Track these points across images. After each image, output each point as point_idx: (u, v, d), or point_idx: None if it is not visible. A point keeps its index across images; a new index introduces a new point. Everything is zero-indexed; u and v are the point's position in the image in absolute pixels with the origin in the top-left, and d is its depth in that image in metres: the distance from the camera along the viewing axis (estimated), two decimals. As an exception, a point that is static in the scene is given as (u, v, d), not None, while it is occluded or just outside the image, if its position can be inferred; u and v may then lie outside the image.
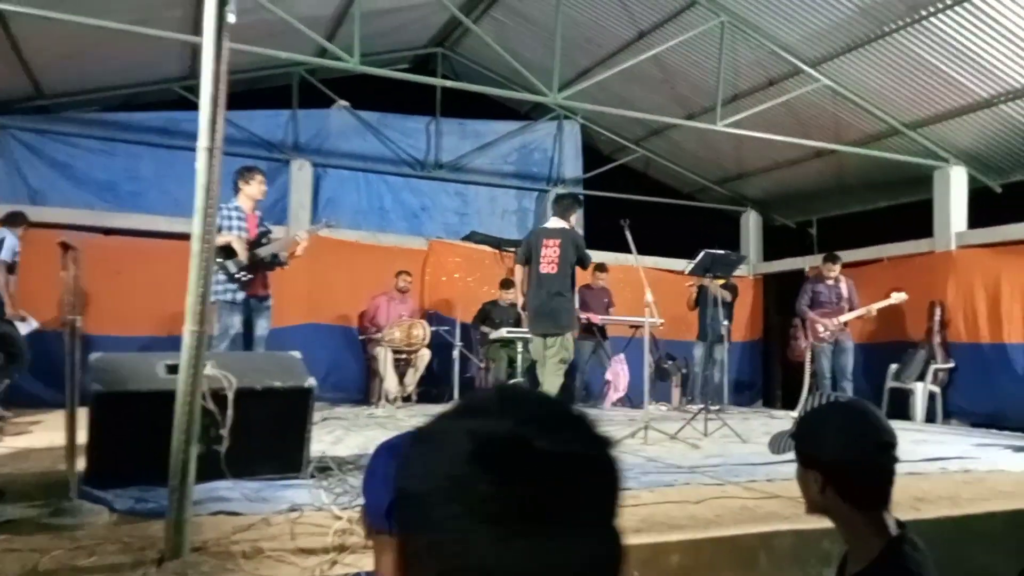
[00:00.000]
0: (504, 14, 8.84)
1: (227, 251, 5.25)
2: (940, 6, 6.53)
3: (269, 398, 3.20)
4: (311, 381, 3.35)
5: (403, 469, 0.66)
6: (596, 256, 9.43)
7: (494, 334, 7.78)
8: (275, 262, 5.52)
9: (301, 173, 9.17)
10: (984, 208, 8.53)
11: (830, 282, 7.84)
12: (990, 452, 5.05)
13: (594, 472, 0.62)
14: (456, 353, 7.42)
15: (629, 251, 5.55)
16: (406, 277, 8.03)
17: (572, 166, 10.89)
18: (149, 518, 2.59)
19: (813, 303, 7.89)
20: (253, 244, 5.37)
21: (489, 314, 8.22)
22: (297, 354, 3.57)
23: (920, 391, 7.93)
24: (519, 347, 7.58)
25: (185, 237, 2.40)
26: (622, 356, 8.56)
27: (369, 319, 7.85)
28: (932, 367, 8.02)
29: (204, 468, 2.70)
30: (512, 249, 9.59)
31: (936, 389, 7.97)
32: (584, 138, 11.02)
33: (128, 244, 7.86)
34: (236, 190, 5.49)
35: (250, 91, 9.41)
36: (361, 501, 1.37)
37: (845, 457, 1.53)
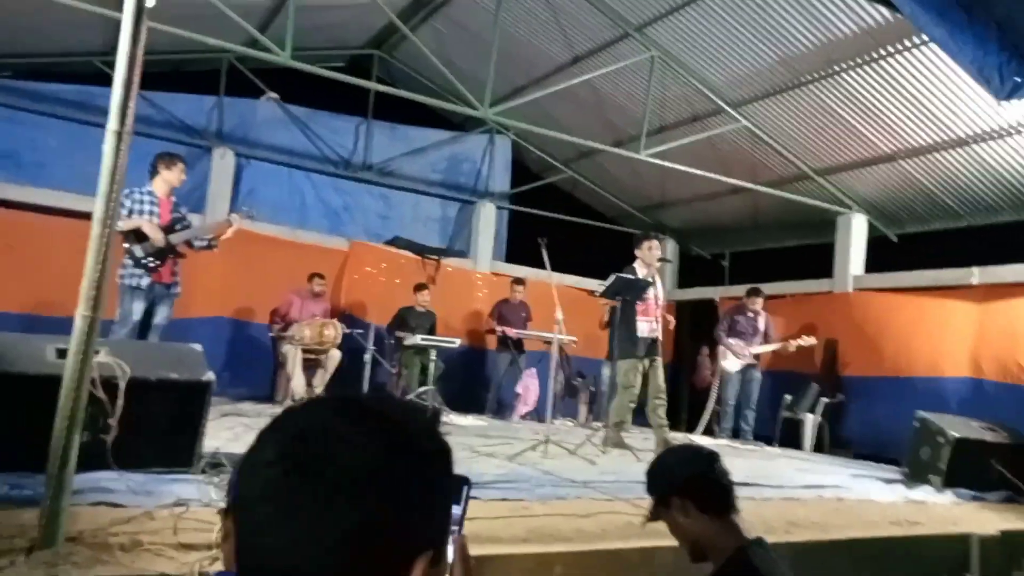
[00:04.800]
0: (443, 24, 8.91)
1: (137, 235, 5.11)
2: (852, 63, 6.98)
3: (164, 390, 3.13)
4: (209, 375, 3.29)
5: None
6: (516, 271, 9.62)
7: (409, 340, 7.77)
8: (195, 247, 5.43)
9: (223, 162, 8.97)
10: (880, 255, 9.09)
11: (750, 314, 8.23)
12: (864, 482, 5.38)
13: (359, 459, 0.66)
14: (368, 357, 7.38)
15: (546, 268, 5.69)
16: (320, 281, 7.90)
17: (501, 180, 11.02)
18: (24, 506, 2.50)
19: (731, 331, 8.25)
20: (165, 231, 5.23)
21: (405, 319, 8.21)
22: (198, 347, 3.50)
23: (810, 422, 8.35)
24: (432, 355, 7.61)
25: (91, 217, 2.36)
26: (534, 370, 8.70)
27: (281, 315, 7.72)
28: (822, 400, 8.46)
29: (89, 458, 2.62)
30: (436, 257, 9.63)
31: (823, 421, 8.42)
32: (514, 154, 11.18)
33: (26, 219, 7.50)
34: (153, 174, 5.35)
35: (175, 72, 9.14)
36: None
37: (692, 473, 1.88)
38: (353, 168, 10.11)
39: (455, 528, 0.81)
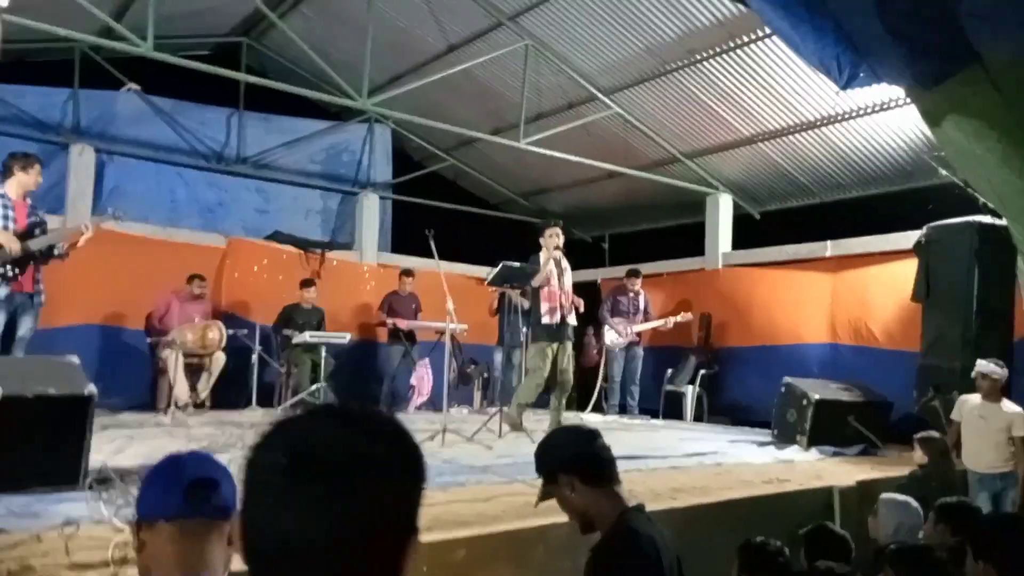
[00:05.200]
0: (313, 11, 8.70)
1: (-8, 244, 4.74)
2: (712, 52, 7.40)
3: (42, 406, 2.98)
4: (90, 388, 3.16)
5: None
6: (403, 261, 9.59)
7: (297, 338, 7.62)
8: (51, 254, 5.06)
9: (82, 159, 8.39)
10: (746, 232, 9.73)
11: (631, 294, 8.65)
12: (739, 447, 5.81)
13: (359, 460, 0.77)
14: (255, 358, 7.18)
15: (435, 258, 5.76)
16: (200, 283, 7.56)
17: (382, 170, 10.91)
18: None
19: (613, 312, 8.63)
20: (23, 236, 4.88)
21: (291, 317, 8.03)
22: (75, 359, 3.35)
23: (690, 393, 8.87)
24: (323, 352, 7.50)
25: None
26: (427, 361, 8.73)
27: (158, 319, 7.36)
28: (700, 372, 9.00)
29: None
30: (319, 251, 9.45)
31: (702, 391, 8.95)
32: (395, 143, 11.09)
33: None
34: (7, 175, 4.97)
35: (20, 63, 8.44)
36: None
37: (575, 451, 2.05)
38: (226, 161, 9.72)
39: None
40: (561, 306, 5.95)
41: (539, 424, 6.25)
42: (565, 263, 6.09)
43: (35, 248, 4.92)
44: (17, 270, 4.85)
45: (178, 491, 1.28)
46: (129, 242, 7.87)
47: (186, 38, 9.05)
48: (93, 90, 8.81)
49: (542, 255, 6.06)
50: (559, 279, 5.99)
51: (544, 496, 2.07)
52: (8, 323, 4.85)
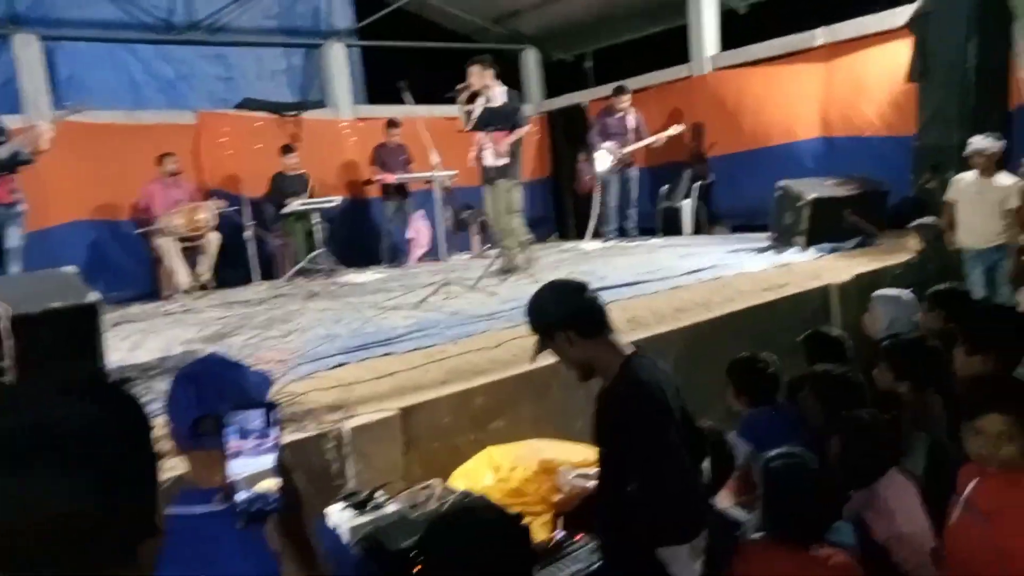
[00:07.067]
0: None
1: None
2: None
3: (51, 320, 3.03)
4: (93, 295, 3.19)
5: None
6: (382, 112, 9.27)
7: (288, 207, 7.55)
8: (17, 161, 4.92)
9: (28, 50, 7.89)
10: (733, 30, 9.24)
11: (619, 114, 8.34)
12: (739, 257, 5.89)
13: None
14: (249, 233, 7.15)
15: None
16: (171, 159, 7.37)
17: (342, 15, 10.27)
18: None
19: (603, 135, 8.38)
20: (-15, 148, 4.73)
21: (279, 187, 7.92)
22: (72, 269, 3.37)
23: (687, 207, 8.87)
24: (315, 218, 7.46)
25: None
26: (422, 212, 8.69)
27: (143, 209, 7.28)
28: (696, 184, 8.94)
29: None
30: (293, 113, 9.12)
31: (700, 203, 8.94)
32: (351, -20, 10.35)
33: None
34: None
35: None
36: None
37: (567, 306, 2.06)
38: (178, 30, 9.15)
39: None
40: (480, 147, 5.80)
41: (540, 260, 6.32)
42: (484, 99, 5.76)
43: (1, 157, 4.78)
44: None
45: (185, 427, 1.32)
46: (97, 132, 7.59)
47: None
48: (21, -30, 8.13)
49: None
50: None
51: (540, 349, 2.12)
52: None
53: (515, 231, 5.97)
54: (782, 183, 6.28)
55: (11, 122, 5.53)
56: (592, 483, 2.52)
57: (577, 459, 2.89)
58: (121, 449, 0.79)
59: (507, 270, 5.83)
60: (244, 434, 1.05)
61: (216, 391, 1.30)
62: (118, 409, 0.82)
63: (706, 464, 2.18)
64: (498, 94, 5.74)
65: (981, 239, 4.98)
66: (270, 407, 1.09)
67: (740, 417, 3.04)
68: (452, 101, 5.79)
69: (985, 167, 4.99)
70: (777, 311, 4.32)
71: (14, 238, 4.92)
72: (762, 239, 6.59)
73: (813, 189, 6.11)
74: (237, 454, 1.04)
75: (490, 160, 5.84)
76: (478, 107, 5.67)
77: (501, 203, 5.86)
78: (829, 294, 4.61)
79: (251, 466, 1.05)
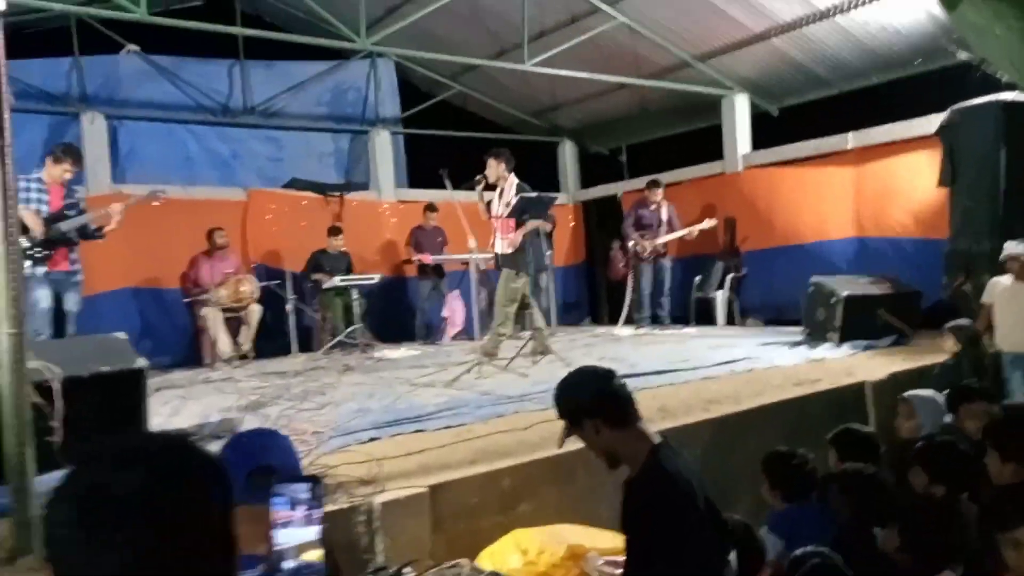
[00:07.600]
0: (304, -51, 8.46)
1: (21, 226, 4.90)
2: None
3: (99, 384, 3.15)
4: (141, 361, 3.32)
5: None
6: (422, 195, 9.61)
7: (327, 283, 7.77)
8: (86, 234, 5.28)
9: (94, 127, 8.44)
10: (765, 131, 9.52)
11: (653, 206, 8.59)
12: (770, 350, 5.89)
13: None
14: (290, 306, 7.35)
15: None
16: (220, 233, 7.71)
17: (390, 105, 10.79)
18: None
19: (637, 226, 8.60)
20: (54, 218, 5.04)
21: (319, 263, 8.17)
22: (122, 335, 3.51)
23: (720, 299, 8.93)
24: (354, 294, 7.66)
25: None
26: (457, 292, 8.86)
27: (192, 280, 7.56)
28: (728, 276, 9.03)
29: (39, 462, 2.66)
30: (338, 194, 9.49)
31: (732, 295, 9.00)
32: (400, 75, 10.91)
33: None
34: (44, 163, 5.18)
35: (17, 34, 8.37)
36: None
37: (593, 393, 2.07)
38: (233, 113, 9.69)
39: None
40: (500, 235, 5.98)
41: (571, 343, 6.38)
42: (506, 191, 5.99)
43: (66, 229, 5.09)
44: (46, 252, 5.03)
45: (239, 479, 1.40)
46: (153, 205, 7.96)
47: (177, -8, 8.90)
48: (94, 56, 8.76)
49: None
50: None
51: (567, 435, 2.14)
52: (55, 300, 5.08)
53: (508, 319, 6.02)
54: (815, 279, 6.33)
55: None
56: (619, 571, 2.50)
57: (604, 546, 2.87)
58: (178, 514, 0.81)
59: (540, 352, 5.89)
60: (293, 504, 1.11)
61: (268, 450, 1.39)
62: (173, 472, 0.84)
63: (732, 556, 2.17)
64: (509, 186, 5.97)
65: (1019, 343, 4.96)
66: (316, 480, 1.15)
67: (770, 511, 3.01)
68: (471, 188, 6.02)
69: (1020, 272, 5.00)
70: (809, 406, 4.30)
71: (72, 303, 5.17)
72: (795, 333, 6.60)
73: (846, 286, 6.14)
74: (287, 524, 1.10)
75: (499, 247, 6.02)
76: (496, 197, 5.90)
77: (502, 291, 5.99)
78: (864, 391, 4.58)
79: (298, 536, 1.10)
